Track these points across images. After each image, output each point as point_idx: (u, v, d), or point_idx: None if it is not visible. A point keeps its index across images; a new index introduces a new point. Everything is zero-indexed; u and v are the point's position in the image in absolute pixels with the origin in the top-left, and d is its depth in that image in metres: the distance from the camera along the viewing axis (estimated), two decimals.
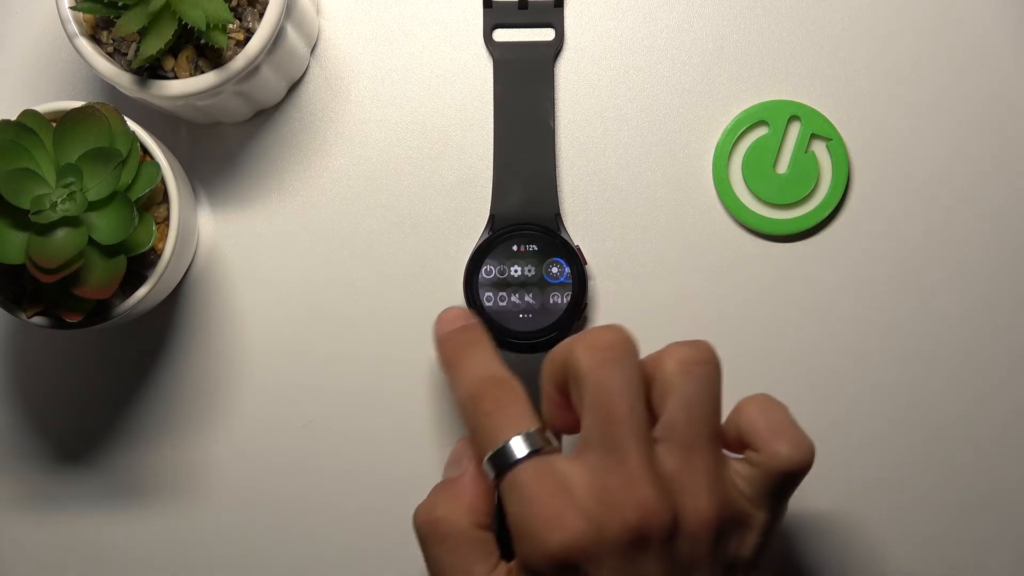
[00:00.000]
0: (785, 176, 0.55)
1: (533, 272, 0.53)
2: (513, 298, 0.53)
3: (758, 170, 0.55)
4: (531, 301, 0.53)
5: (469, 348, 0.46)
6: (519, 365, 0.51)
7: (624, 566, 0.41)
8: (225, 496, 0.55)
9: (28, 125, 0.47)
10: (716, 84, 0.56)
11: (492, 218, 0.54)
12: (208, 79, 0.49)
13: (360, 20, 0.56)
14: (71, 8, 0.49)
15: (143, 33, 0.48)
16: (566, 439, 0.46)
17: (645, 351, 0.44)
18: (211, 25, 0.47)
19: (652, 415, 0.43)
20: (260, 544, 0.55)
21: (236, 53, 0.49)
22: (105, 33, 0.50)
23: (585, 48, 0.56)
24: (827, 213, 0.55)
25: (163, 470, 0.55)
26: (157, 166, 0.48)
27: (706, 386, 0.43)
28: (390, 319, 0.55)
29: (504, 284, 0.53)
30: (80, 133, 0.47)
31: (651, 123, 0.56)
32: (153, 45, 0.48)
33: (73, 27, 0.49)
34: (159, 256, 0.49)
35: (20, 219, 0.46)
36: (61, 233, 0.46)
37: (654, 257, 0.55)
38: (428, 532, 0.44)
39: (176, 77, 0.49)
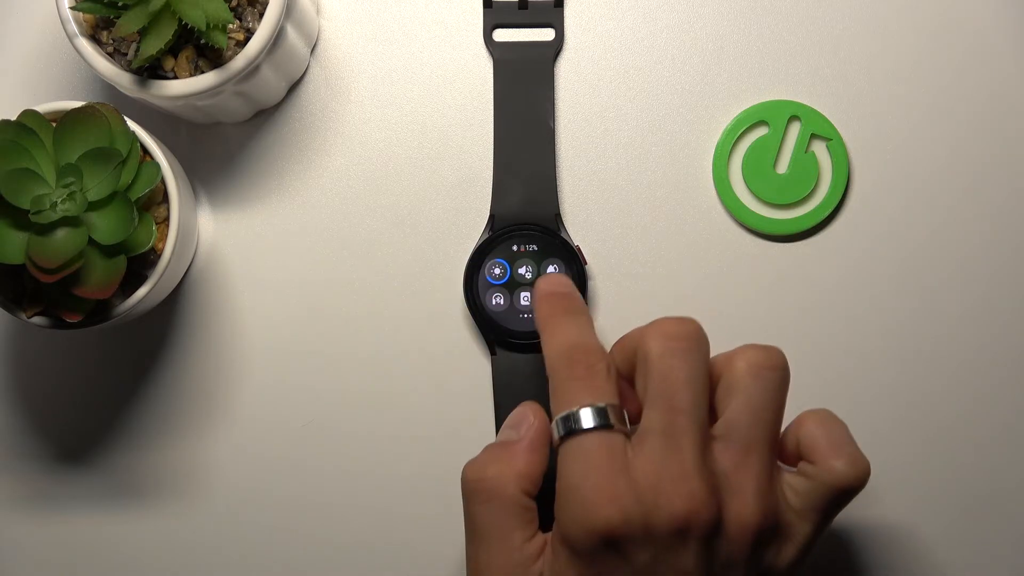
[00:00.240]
0: (785, 176, 0.55)
1: (533, 272, 0.53)
2: (513, 298, 0.53)
3: (758, 170, 0.55)
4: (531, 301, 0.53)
5: (573, 314, 0.46)
6: (519, 365, 0.51)
7: (663, 554, 0.41)
8: (225, 496, 0.55)
9: (28, 125, 0.47)
10: (716, 84, 0.56)
11: (492, 218, 0.54)
12: (208, 79, 0.49)
13: (360, 20, 0.56)
14: (71, 8, 0.49)
15: (143, 33, 0.48)
16: None
17: None
18: (211, 25, 0.47)
19: (713, 412, 0.43)
20: (260, 544, 0.55)
21: (236, 53, 0.49)
22: (105, 33, 0.50)
23: (585, 48, 0.56)
24: (827, 213, 0.55)
25: (163, 470, 0.55)
26: (157, 166, 0.48)
27: (772, 392, 0.43)
28: (390, 319, 0.55)
29: (504, 284, 0.53)
30: (80, 133, 0.47)
31: (651, 123, 0.56)
32: (153, 45, 0.48)
33: (73, 27, 0.49)
34: (159, 256, 0.49)
35: (20, 219, 0.46)
36: (61, 233, 0.46)
37: (654, 257, 0.55)
38: (475, 489, 0.44)
39: (176, 77, 0.49)
